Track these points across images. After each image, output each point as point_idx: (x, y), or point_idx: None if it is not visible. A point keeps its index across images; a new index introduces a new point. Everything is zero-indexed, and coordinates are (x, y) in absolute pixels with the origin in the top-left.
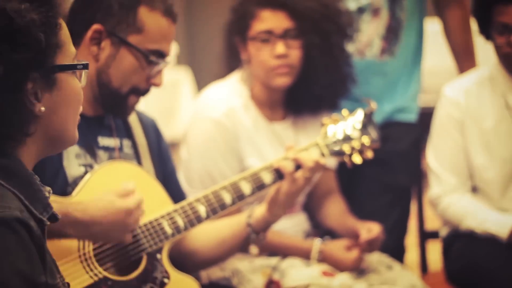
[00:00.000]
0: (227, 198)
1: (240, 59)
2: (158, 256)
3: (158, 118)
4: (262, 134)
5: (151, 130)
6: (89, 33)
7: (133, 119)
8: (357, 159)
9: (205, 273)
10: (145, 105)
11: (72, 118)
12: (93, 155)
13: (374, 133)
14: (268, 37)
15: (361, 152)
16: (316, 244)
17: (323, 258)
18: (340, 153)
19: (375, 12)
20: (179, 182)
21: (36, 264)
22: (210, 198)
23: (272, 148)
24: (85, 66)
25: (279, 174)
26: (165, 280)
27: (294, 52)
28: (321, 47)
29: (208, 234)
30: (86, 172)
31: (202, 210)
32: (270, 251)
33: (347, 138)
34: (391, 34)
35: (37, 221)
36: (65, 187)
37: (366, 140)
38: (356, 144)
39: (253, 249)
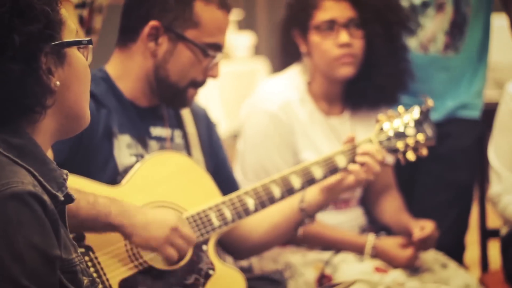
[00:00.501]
0: (276, 191)
1: (296, 54)
2: (204, 247)
3: (235, 108)
4: (317, 128)
5: (203, 120)
6: (146, 30)
7: (185, 109)
8: (411, 156)
9: (258, 264)
10: (222, 95)
11: (85, 94)
12: (144, 145)
13: (429, 131)
14: (332, 26)
15: (415, 149)
16: (370, 239)
17: (377, 254)
18: (393, 150)
19: (440, 7)
20: (231, 172)
21: (50, 237)
22: (259, 191)
23: (328, 142)
24: (90, 42)
25: (331, 169)
26: (210, 272)
27: (357, 42)
28: (383, 36)
29: (260, 220)
30: (137, 162)
31: (250, 203)
32: (324, 245)
33: (401, 135)
34: (456, 30)
35: (51, 197)
36: (115, 176)
37: (421, 137)
38: (410, 141)
39: (300, 230)
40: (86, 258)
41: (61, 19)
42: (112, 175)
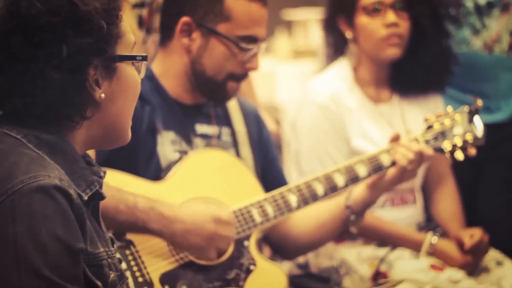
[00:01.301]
0: (319, 189)
1: (342, 47)
2: (246, 243)
3: None
4: (367, 116)
5: (252, 118)
6: (179, 26)
7: (233, 107)
8: (459, 156)
9: (314, 261)
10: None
11: (129, 110)
12: (189, 142)
13: (478, 131)
14: (379, 6)
15: (463, 149)
16: (429, 237)
17: (434, 252)
18: (440, 150)
19: (505, 7)
20: (281, 172)
21: (74, 230)
22: (301, 188)
23: (378, 129)
24: (144, 58)
25: (375, 168)
26: (251, 267)
27: (403, 23)
28: (429, 17)
29: (307, 218)
30: (180, 158)
31: (292, 199)
32: (381, 240)
33: (449, 135)
34: None
35: (77, 194)
36: (158, 172)
37: (469, 137)
38: (458, 141)
39: (353, 229)
40: (127, 251)
41: (118, 33)
42: (155, 171)
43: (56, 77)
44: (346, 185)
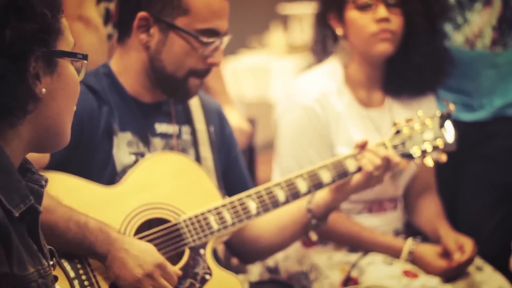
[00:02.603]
0: (281, 195)
1: (332, 45)
2: (202, 251)
3: None
4: (356, 121)
5: (214, 116)
6: (136, 22)
7: (195, 104)
8: (429, 161)
9: (284, 265)
10: None
11: (69, 109)
12: (147, 143)
13: (450, 136)
14: (370, 1)
15: (433, 154)
16: (408, 243)
17: (413, 259)
18: (408, 155)
19: (487, 1)
20: (244, 172)
21: None
22: (262, 194)
23: (366, 135)
24: (85, 57)
25: (339, 173)
26: (207, 277)
27: (395, 18)
28: (422, 14)
29: (267, 221)
30: (136, 161)
31: (252, 206)
32: (357, 246)
33: (418, 140)
34: (504, 25)
35: (5, 211)
36: (113, 176)
37: (439, 143)
38: (427, 146)
39: (313, 235)
40: (76, 259)
41: (59, 28)
42: (111, 174)
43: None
44: (309, 191)
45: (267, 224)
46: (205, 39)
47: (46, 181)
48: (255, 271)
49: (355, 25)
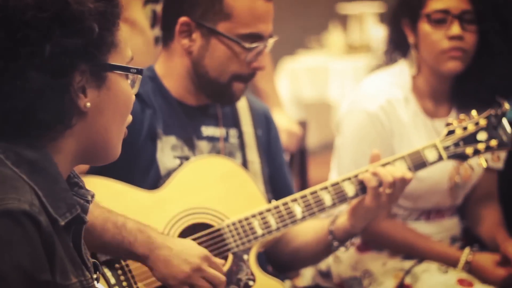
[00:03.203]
0: (327, 199)
1: (404, 48)
2: (245, 256)
3: None
4: (420, 131)
5: (262, 119)
6: (178, 27)
7: (242, 107)
8: (483, 162)
9: (336, 270)
10: None
11: (118, 123)
12: (192, 147)
13: (505, 136)
14: (444, 16)
15: (487, 155)
16: (466, 253)
17: (470, 269)
18: (461, 156)
19: None
20: (288, 178)
21: (40, 260)
22: (308, 198)
23: None
24: (139, 72)
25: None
26: (250, 283)
27: (469, 36)
28: (499, 33)
29: (294, 235)
30: (180, 165)
31: (298, 211)
32: (413, 254)
33: (472, 141)
34: None
35: (51, 219)
36: (157, 180)
37: (494, 143)
38: (481, 146)
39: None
40: (117, 265)
41: (113, 41)
42: (154, 179)
43: (37, 78)
44: (356, 195)
45: (290, 238)
46: (247, 45)
47: (93, 196)
48: (308, 274)
49: (427, 39)
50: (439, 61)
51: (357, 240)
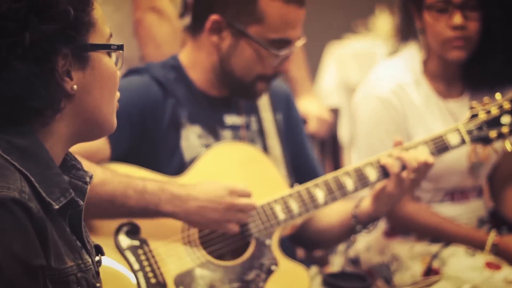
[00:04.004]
0: (349, 184)
1: (414, 31)
2: (268, 241)
3: None
4: (434, 112)
5: (282, 101)
6: (208, 23)
7: None
8: (507, 146)
9: (365, 256)
10: None
11: (107, 99)
12: (216, 136)
13: None
14: (446, 6)
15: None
16: (492, 236)
17: (498, 252)
18: (484, 139)
19: None
20: (311, 158)
21: (33, 246)
22: (330, 182)
23: (445, 127)
24: (120, 47)
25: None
26: (273, 267)
27: (472, 24)
28: (502, 21)
29: (318, 217)
30: None
31: (319, 195)
32: (439, 237)
33: (496, 124)
34: None
35: (44, 204)
36: (181, 168)
37: None
38: (505, 130)
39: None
40: (140, 251)
41: (90, 21)
42: (178, 166)
43: (21, 67)
44: (378, 180)
45: (315, 221)
46: (275, 51)
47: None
48: (337, 262)
49: (431, 28)
50: (444, 49)
51: (382, 225)
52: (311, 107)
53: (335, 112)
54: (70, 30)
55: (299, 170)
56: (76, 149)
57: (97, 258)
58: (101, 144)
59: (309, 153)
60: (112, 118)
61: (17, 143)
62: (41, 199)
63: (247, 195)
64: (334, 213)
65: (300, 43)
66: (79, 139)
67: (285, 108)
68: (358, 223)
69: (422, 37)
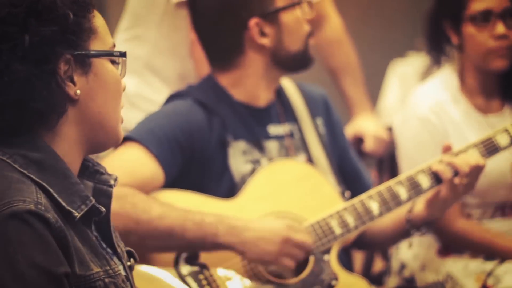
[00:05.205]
0: (402, 192)
1: (445, 47)
2: (326, 257)
3: None
4: (474, 128)
5: (319, 105)
6: (253, 32)
7: (296, 100)
8: None
9: (420, 275)
10: None
11: (112, 106)
12: (261, 149)
13: None
14: (487, 16)
15: None
16: None
17: None
18: None
19: None
20: (354, 158)
21: (55, 255)
22: (383, 193)
23: None
24: (122, 54)
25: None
26: (333, 282)
27: None
28: None
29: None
30: (253, 169)
31: (374, 207)
32: (490, 254)
33: None
34: None
35: (64, 213)
36: (232, 187)
37: None
38: None
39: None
40: (201, 276)
41: (91, 28)
42: (229, 186)
43: (21, 69)
44: (432, 186)
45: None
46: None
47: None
48: (392, 282)
49: (472, 40)
50: (486, 60)
51: (435, 244)
52: (368, 125)
53: (391, 130)
54: (70, 34)
55: (346, 174)
56: (130, 179)
57: (129, 263)
58: (154, 172)
59: (352, 156)
60: (117, 128)
61: (33, 157)
62: (61, 209)
63: (305, 234)
64: (386, 218)
65: None
66: (90, 147)
67: (324, 112)
68: (413, 227)
69: (457, 52)
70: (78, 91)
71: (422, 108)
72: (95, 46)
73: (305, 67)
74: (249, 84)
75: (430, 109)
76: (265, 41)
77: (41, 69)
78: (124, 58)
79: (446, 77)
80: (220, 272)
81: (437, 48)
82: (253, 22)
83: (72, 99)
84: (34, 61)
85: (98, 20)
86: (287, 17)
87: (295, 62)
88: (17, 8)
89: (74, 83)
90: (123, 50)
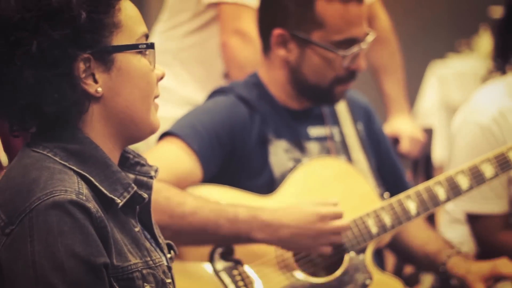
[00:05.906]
0: (441, 193)
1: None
2: (361, 256)
3: None
4: None
5: (361, 111)
6: (273, 39)
7: (340, 104)
8: None
9: None
10: None
11: (140, 99)
12: (302, 149)
13: None
14: None
15: None
16: None
17: None
18: None
19: None
20: (397, 163)
21: (95, 245)
22: (421, 193)
23: None
24: (149, 46)
25: (502, 167)
26: (367, 282)
27: None
28: None
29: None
30: (294, 167)
31: (411, 207)
32: None
33: None
34: None
35: (107, 202)
36: (272, 183)
37: None
38: None
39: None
40: (235, 272)
41: (113, 22)
42: (268, 182)
43: (32, 73)
44: (471, 188)
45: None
46: (342, 52)
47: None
48: (427, 281)
49: None
50: None
51: (473, 249)
52: (404, 126)
53: (429, 132)
54: (86, 33)
55: (387, 178)
56: (168, 175)
57: (169, 255)
58: (193, 167)
59: (394, 160)
60: (150, 117)
61: (73, 149)
62: (104, 198)
63: (338, 216)
64: (418, 240)
65: (370, 38)
66: (124, 139)
67: (366, 118)
68: (444, 271)
69: None
70: (99, 89)
71: (483, 116)
72: (119, 40)
73: (323, 104)
74: (278, 85)
75: (492, 117)
76: (283, 55)
77: (52, 73)
78: (152, 50)
79: (511, 84)
80: (254, 269)
81: (504, 56)
82: (277, 32)
83: (95, 96)
84: (45, 65)
85: (125, 12)
86: (314, 54)
87: (314, 93)
88: (29, 13)
89: (95, 80)
90: (156, 41)
